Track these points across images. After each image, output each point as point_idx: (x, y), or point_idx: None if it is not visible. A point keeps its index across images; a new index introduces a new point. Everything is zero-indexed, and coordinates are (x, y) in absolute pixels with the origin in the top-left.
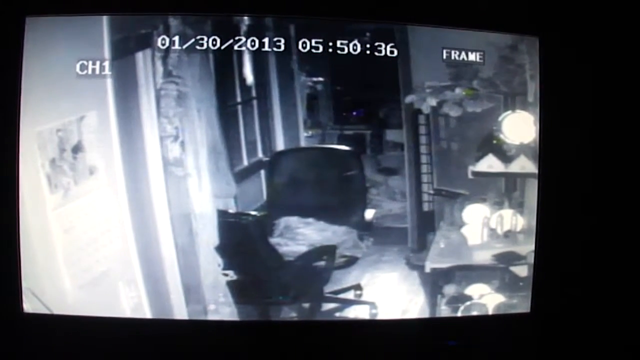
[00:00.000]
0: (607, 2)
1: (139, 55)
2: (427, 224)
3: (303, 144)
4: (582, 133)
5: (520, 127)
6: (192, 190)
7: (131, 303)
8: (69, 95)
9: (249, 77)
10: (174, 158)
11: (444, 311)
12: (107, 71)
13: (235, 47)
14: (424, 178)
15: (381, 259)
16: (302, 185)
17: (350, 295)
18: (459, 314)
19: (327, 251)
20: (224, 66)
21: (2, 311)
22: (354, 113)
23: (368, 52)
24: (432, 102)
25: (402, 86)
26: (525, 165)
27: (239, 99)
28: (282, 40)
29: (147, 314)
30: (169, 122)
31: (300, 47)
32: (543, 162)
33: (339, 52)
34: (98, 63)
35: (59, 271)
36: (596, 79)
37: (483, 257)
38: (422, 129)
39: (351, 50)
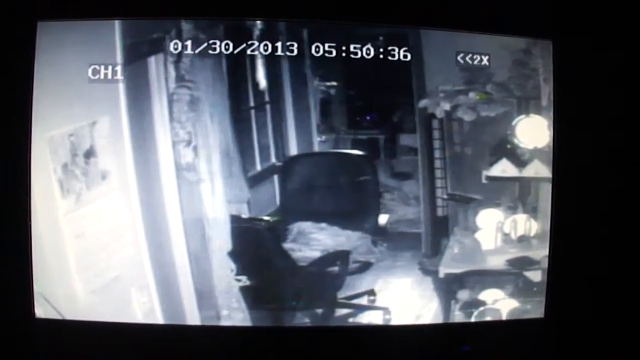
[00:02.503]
0: (621, 5)
1: (151, 60)
2: (440, 229)
3: (316, 148)
4: (597, 137)
5: (534, 131)
6: (205, 195)
7: (143, 308)
8: (81, 100)
9: (262, 82)
10: (187, 163)
11: (457, 316)
12: (119, 76)
13: (248, 52)
14: (438, 183)
15: (395, 264)
16: (316, 190)
17: (363, 300)
18: (473, 319)
19: (340, 256)
20: (237, 70)
21: (14, 316)
22: (368, 117)
23: (381, 56)
24: (446, 106)
25: (416, 90)
26: (539, 169)
27: (252, 104)
28: (295, 45)
29: (159, 319)
30: (181, 126)
31: (313, 51)
32: (557, 167)
33: (352, 56)
34: (110, 68)
35: (70, 276)
36: (610, 83)
37: (497, 262)
38: (436, 134)
39: (364, 54)
